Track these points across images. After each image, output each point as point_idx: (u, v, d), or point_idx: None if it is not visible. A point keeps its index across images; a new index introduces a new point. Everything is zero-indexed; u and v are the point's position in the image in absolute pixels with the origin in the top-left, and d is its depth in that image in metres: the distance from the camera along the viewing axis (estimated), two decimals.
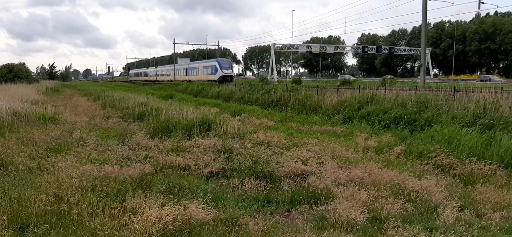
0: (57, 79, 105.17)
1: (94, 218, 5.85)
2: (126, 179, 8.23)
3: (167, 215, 5.70)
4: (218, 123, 14.42)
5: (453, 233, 5.73)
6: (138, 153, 10.95)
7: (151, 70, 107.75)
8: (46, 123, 16.40)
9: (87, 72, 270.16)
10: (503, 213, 6.91)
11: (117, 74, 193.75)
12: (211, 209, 6.41)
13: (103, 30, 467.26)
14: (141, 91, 47.75)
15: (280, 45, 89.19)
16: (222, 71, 56.20)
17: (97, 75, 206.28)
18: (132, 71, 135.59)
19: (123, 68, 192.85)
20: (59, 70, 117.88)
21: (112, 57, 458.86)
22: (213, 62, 59.84)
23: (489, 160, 9.99)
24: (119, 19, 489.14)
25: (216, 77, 55.81)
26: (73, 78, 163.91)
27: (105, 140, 12.95)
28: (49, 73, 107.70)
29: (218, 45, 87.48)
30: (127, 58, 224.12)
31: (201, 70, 64.60)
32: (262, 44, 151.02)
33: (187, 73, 70.80)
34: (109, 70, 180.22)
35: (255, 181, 8.29)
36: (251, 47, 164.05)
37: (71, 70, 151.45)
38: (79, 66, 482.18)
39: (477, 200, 7.59)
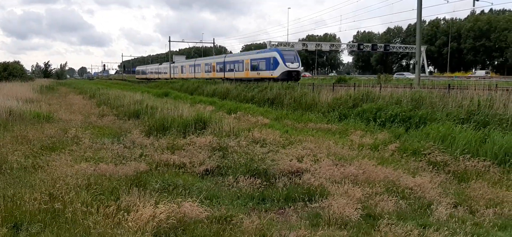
0: (52, 77, 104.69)
1: (88, 217, 5.85)
2: (120, 177, 8.23)
3: (161, 213, 5.72)
4: (213, 121, 14.42)
5: (446, 229, 5.76)
6: (133, 151, 10.94)
7: (164, 66, 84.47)
8: (41, 122, 16.35)
9: (82, 70, 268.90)
10: (496, 209, 6.98)
11: (112, 72, 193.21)
12: (205, 207, 6.43)
13: (98, 27, 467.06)
14: (137, 89, 47.60)
15: (276, 43, 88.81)
16: (285, 65, 38.56)
17: (93, 73, 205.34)
18: (140, 68, 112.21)
19: (118, 66, 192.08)
20: (54, 68, 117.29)
21: (107, 55, 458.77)
22: (272, 53, 41.19)
23: (483, 157, 10.05)
24: (115, 17, 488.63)
25: (275, 73, 38.75)
26: (68, 76, 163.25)
27: (100, 138, 12.94)
28: (44, 71, 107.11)
29: (213, 43, 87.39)
30: (122, 56, 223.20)
31: (246, 64, 45.33)
32: (258, 42, 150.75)
33: (223, 69, 51.62)
34: (104, 68, 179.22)
35: (250, 179, 8.31)
36: (246, 44, 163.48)
37: (66, 68, 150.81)
38: (74, 64, 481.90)
39: (471, 197, 7.64)
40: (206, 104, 27.20)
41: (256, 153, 10.17)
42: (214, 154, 10.52)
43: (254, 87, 31.37)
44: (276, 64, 39.13)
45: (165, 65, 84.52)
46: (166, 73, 78.81)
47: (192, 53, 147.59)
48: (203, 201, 6.83)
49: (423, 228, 5.89)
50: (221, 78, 50.06)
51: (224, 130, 13.21)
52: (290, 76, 37.88)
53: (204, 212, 6.14)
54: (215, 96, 34.42)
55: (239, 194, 7.68)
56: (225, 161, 9.82)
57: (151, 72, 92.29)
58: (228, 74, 49.56)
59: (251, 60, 44.60)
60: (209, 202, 7.05)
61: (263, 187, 8.06)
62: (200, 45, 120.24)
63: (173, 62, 77.81)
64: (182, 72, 68.58)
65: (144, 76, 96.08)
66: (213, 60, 57.42)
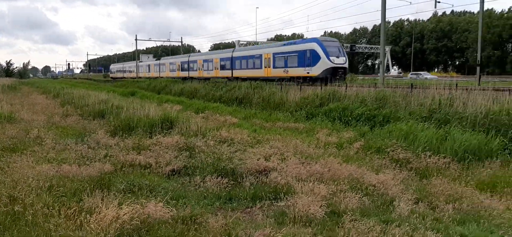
0: (14, 76, 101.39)
1: (49, 219, 5.71)
2: (84, 178, 8.06)
3: (124, 215, 5.64)
4: (180, 121, 14.33)
5: (407, 225, 5.91)
6: (97, 152, 10.74)
7: (148, 63, 70.60)
8: (1, 122, 15.79)
9: (46, 69, 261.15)
10: (455, 205, 7.22)
11: (77, 71, 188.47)
12: (170, 207, 6.38)
13: (63, 25, 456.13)
14: (102, 88, 46.66)
15: (245, 42, 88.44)
16: (329, 60, 29.36)
17: (57, 72, 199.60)
18: (114, 66, 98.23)
19: (83, 65, 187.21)
20: (16, 67, 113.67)
21: (72, 53, 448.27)
22: (309, 44, 31.22)
23: (443, 154, 10.40)
24: (79, 15, 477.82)
25: (314, 70, 29.92)
26: (31, 75, 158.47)
27: (64, 139, 12.63)
28: (5, 70, 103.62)
29: (181, 41, 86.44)
30: (87, 54, 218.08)
31: (267, 60, 35.63)
32: (227, 41, 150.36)
33: (230, 67, 42.00)
34: (69, 67, 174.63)
35: (217, 179, 8.31)
36: (215, 43, 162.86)
37: (29, 67, 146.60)
38: (38, 63, 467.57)
39: (431, 193, 7.89)
40: (173, 104, 26.99)
41: (224, 153, 10.19)
42: (181, 154, 10.45)
43: (222, 86, 31.29)
44: (315, 58, 29.94)
45: (149, 62, 70.89)
46: (151, 72, 66.65)
47: (160, 52, 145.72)
48: (169, 202, 6.78)
49: (385, 224, 6.02)
50: (227, 77, 41.29)
51: (192, 130, 13.15)
52: (335, 74, 29.10)
53: (169, 213, 6.10)
54: (183, 95, 34.17)
55: (205, 194, 7.67)
56: (192, 161, 9.78)
57: (130, 71, 79.58)
58: (238, 73, 40.38)
59: (274, 54, 34.96)
60: (175, 202, 7.00)
61: (230, 186, 8.08)
62: (167, 43, 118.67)
63: (159, 59, 67.97)
64: (170, 71, 58.75)
65: (121, 75, 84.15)
66: (215, 55, 47.29)
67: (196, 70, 50.41)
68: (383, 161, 10.39)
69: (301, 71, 31.20)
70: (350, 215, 6.21)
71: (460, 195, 7.74)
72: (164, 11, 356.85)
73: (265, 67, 36.02)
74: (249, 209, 7.07)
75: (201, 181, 8.33)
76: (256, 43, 59.62)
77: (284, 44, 35.58)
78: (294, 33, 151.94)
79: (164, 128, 13.82)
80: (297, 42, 34.81)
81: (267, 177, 8.49)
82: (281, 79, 31.27)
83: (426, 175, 9.33)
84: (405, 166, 10.02)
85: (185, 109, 23.92)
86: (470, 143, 10.73)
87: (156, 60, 68.34)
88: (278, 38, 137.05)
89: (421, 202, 7.37)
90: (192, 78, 48.94)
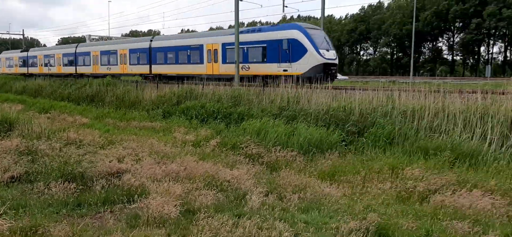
0: None
1: None
2: None
3: None
4: (21, 122, 12.97)
5: (258, 217, 6.22)
6: None
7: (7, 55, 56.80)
8: None
9: None
10: (301, 194, 7.82)
11: None
12: (8, 218, 5.72)
13: None
14: None
15: (97, 37, 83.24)
16: (319, 54, 22.25)
17: None
18: (4, 55, 64.53)
19: None
20: None
21: None
22: (287, 31, 23.39)
23: (291, 148, 11.24)
24: None
25: (297, 67, 22.36)
26: None
27: None
28: None
29: (23, 34, 77.93)
30: None
31: (211, 53, 27.38)
32: (77, 35, 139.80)
33: (147, 60, 32.75)
34: None
35: (63, 184, 7.72)
36: (63, 37, 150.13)
37: None
38: None
39: (280, 184, 8.43)
40: (14, 103, 24.41)
41: (72, 156, 9.51)
42: (22, 158, 9.45)
43: (71, 84, 29.15)
44: (298, 51, 22.43)
45: (12, 53, 56.56)
46: (15, 67, 52.42)
47: None
48: (7, 212, 6.09)
49: (237, 217, 6.24)
50: (143, 74, 33.20)
51: (35, 132, 11.99)
52: (327, 72, 22.42)
53: (6, 224, 5.47)
54: (25, 93, 31.04)
55: (50, 202, 7.06)
56: (34, 166, 8.93)
57: (24, 63, 54.36)
58: (162, 68, 31.35)
59: (224, 45, 26.35)
60: (15, 212, 6.31)
61: (78, 191, 7.57)
62: (7, 36, 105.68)
63: (27, 51, 53.00)
64: (45, 66, 46.27)
65: (8, 71, 60.04)
66: (122, 45, 36.62)
67: (89, 65, 39.69)
68: (237, 157, 10.79)
69: (272, 68, 23.69)
70: (204, 212, 6.31)
71: (304, 185, 8.39)
72: (3, 0, 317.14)
73: (209, 62, 27.59)
74: (99, 214, 6.71)
75: (45, 188, 7.65)
76: (109, 38, 54.09)
77: (242, 32, 25.79)
78: (150, 29, 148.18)
79: (1, 130, 12.40)
80: (263, 29, 26.06)
81: (120, 180, 8.16)
82: (227, 80, 24.37)
83: (276, 168, 9.96)
84: (258, 160, 10.57)
85: (27, 108, 21.77)
86: (313, 137, 11.76)
87: (21, 52, 54.70)
88: (134, 33, 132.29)
89: (271, 193, 7.82)
90: (82, 75, 39.36)
